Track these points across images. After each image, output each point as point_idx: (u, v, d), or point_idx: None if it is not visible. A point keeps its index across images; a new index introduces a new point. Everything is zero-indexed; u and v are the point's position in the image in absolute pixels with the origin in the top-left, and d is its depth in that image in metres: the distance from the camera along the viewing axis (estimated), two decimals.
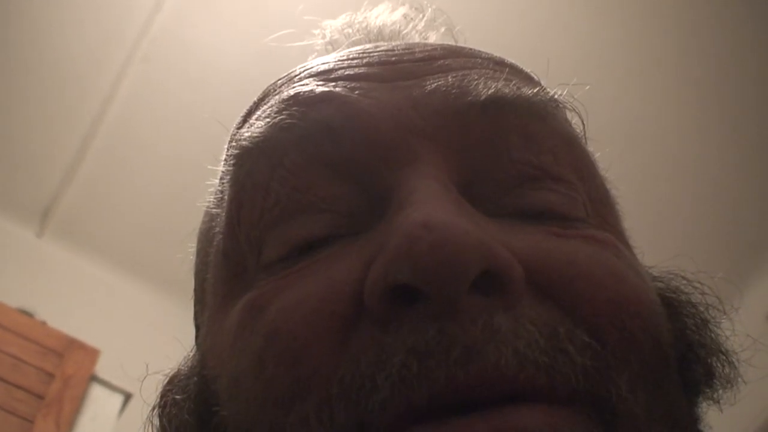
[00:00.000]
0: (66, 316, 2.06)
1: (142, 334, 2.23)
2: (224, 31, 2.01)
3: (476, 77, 0.35)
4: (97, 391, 1.78)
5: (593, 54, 1.97)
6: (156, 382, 0.42)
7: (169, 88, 2.10)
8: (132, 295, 2.40)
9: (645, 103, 2.04)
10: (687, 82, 2.00)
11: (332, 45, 0.44)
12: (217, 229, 0.37)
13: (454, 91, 0.34)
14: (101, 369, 1.82)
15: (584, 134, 0.40)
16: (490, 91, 0.34)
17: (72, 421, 1.70)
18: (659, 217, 2.13)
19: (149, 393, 0.41)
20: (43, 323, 1.90)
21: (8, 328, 1.79)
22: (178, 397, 0.36)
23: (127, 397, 1.79)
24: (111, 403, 1.78)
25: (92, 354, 1.84)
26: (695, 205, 2.17)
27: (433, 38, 0.45)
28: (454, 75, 0.35)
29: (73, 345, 1.83)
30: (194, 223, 0.43)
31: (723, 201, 2.16)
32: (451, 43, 0.43)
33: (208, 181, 0.42)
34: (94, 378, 1.79)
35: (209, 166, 0.43)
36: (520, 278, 0.28)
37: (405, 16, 0.46)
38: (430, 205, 0.29)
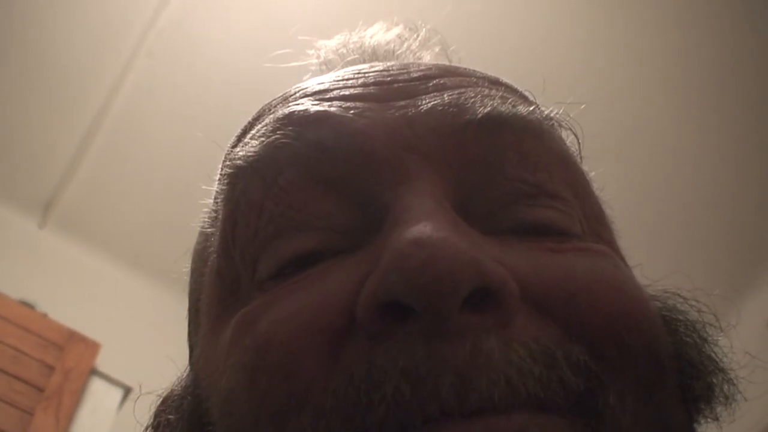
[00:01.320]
0: (67, 308, 2.06)
1: (142, 328, 2.24)
2: (230, 26, 2.00)
3: (472, 95, 0.35)
4: (97, 385, 1.79)
5: (590, 65, 1.96)
6: (155, 378, 0.42)
7: (174, 82, 2.10)
8: (133, 288, 2.41)
9: (642, 114, 2.03)
10: (686, 84, 1.99)
11: (327, 65, 0.45)
12: (212, 248, 0.37)
13: (451, 109, 0.35)
14: (101, 362, 1.83)
15: (580, 152, 0.40)
16: (486, 109, 0.34)
17: (72, 414, 1.71)
18: (655, 224, 2.13)
19: (149, 389, 0.41)
20: (44, 315, 1.91)
21: (9, 320, 1.80)
22: (171, 417, 0.36)
23: (127, 390, 1.80)
24: (111, 397, 1.79)
25: (92, 347, 1.85)
26: (693, 209, 2.17)
27: (428, 58, 0.45)
28: (450, 94, 0.35)
29: (73, 338, 1.84)
30: (196, 218, 0.43)
31: (722, 204, 2.15)
32: (446, 62, 0.43)
33: (211, 176, 0.41)
34: (94, 371, 1.80)
35: (206, 168, 0.43)
36: (513, 294, 0.28)
37: (399, 36, 0.46)
38: (424, 223, 0.29)
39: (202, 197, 0.42)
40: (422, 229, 0.28)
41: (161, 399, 0.40)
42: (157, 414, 0.39)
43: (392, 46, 0.45)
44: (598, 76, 1.97)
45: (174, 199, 2.20)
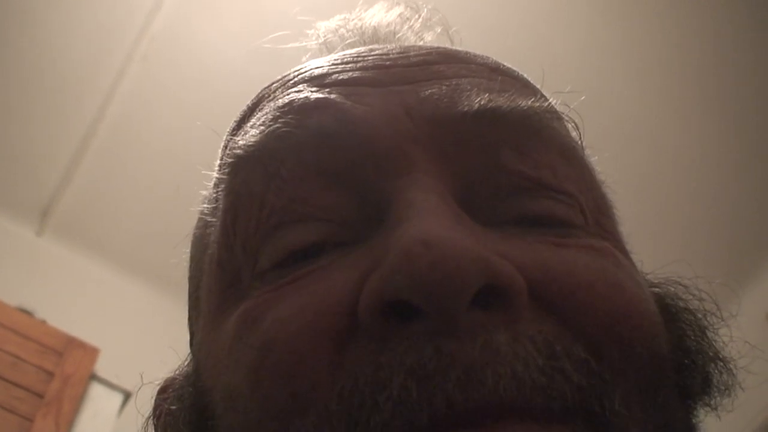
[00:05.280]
0: (65, 314, 2.06)
1: (141, 332, 2.23)
2: (224, 30, 2.00)
3: (469, 87, 0.35)
4: (96, 390, 1.78)
5: (591, 54, 1.97)
6: (155, 382, 0.41)
7: (169, 87, 2.10)
8: (132, 293, 2.40)
9: (643, 105, 2.03)
10: (686, 84, 1.99)
11: (326, 46, 0.44)
12: (212, 237, 0.37)
13: (445, 99, 0.34)
14: (101, 368, 1.82)
15: (581, 141, 0.39)
16: (482, 102, 0.34)
17: (71, 419, 1.70)
18: (657, 214, 2.13)
19: (148, 392, 0.41)
20: (43, 322, 1.90)
21: (8, 327, 1.79)
22: (173, 407, 0.36)
23: (127, 395, 1.79)
24: (110, 402, 1.78)
25: (92, 353, 1.84)
26: (694, 204, 2.17)
27: (429, 38, 0.44)
28: (447, 83, 0.35)
29: (72, 344, 1.83)
30: (194, 223, 0.43)
31: (722, 199, 2.16)
32: (447, 43, 0.43)
33: (206, 180, 0.41)
34: (93, 377, 1.79)
35: (204, 171, 0.43)
36: (522, 290, 0.28)
37: (400, 16, 0.45)
38: (429, 220, 0.29)
39: (199, 201, 0.42)
40: (427, 227, 0.28)
41: (160, 387, 0.39)
42: (158, 403, 0.38)
43: (393, 26, 0.44)
44: (599, 64, 1.97)
45: (171, 204, 2.20)
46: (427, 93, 0.34)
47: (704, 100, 2.02)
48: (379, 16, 0.45)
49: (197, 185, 0.43)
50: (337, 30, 0.45)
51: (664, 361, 0.31)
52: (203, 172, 0.42)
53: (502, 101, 0.34)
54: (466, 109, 0.34)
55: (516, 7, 1.93)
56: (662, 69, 1.98)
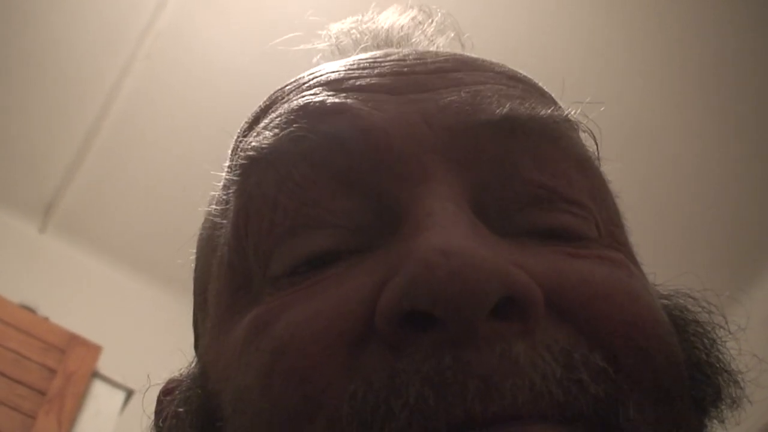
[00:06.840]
0: (68, 311, 2.06)
1: (144, 330, 2.23)
2: (229, 28, 2.00)
3: (489, 94, 0.35)
4: (99, 388, 1.79)
5: (597, 55, 1.96)
6: (158, 380, 0.41)
7: (173, 85, 2.10)
8: (134, 291, 2.41)
9: (644, 107, 2.03)
10: (688, 83, 1.99)
11: (339, 48, 0.44)
12: (222, 239, 0.36)
13: (466, 107, 0.34)
14: (103, 365, 1.82)
15: (597, 153, 0.39)
16: (504, 110, 0.34)
17: (74, 417, 1.70)
18: (657, 214, 2.13)
19: (151, 390, 0.41)
20: (45, 319, 1.91)
21: (10, 324, 1.80)
22: (180, 409, 0.35)
23: (129, 393, 1.79)
24: (113, 400, 1.78)
25: (94, 350, 1.84)
26: (694, 205, 2.17)
27: (441, 42, 0.44)
28: (467, 90, 0.35)
29: (75, 341, 1.83)
30: (197, 220, 0.43)
31: (723, 200, 2.15)
32: (458, 47, 0.42)
33: (210, 178, 0.41)
34: (96, 374, 1.79)
35: (208, 169, 0.42)
36: (539, 301, 0.28)
37: (413, 19, 0.45)
38: (448, 230, 0.29)
39: (202, 199, 0.42)
40: (447, 237, 0.28)
41: (164, 389, 0.39)
42: (164, 405, 0.38)
43: (406, 30, 0.44)
44: (600, 75, 1.97)
45: (174, 202, 2.20)
46: (447, 101, 0.34)
47: (706, 106, 2.01)
48: (392, 19, 0.45)
49: (201, 183, 0.43)
50: (349, 32, 0.44)
51: (680, 369, 0.32)
52: (208, 170, 0.41)
53: (523, 110, 0.34)
54: (487, 117, 0.33)
55: (526, 16, 1.93)
56: (663, 68, 1.98)
